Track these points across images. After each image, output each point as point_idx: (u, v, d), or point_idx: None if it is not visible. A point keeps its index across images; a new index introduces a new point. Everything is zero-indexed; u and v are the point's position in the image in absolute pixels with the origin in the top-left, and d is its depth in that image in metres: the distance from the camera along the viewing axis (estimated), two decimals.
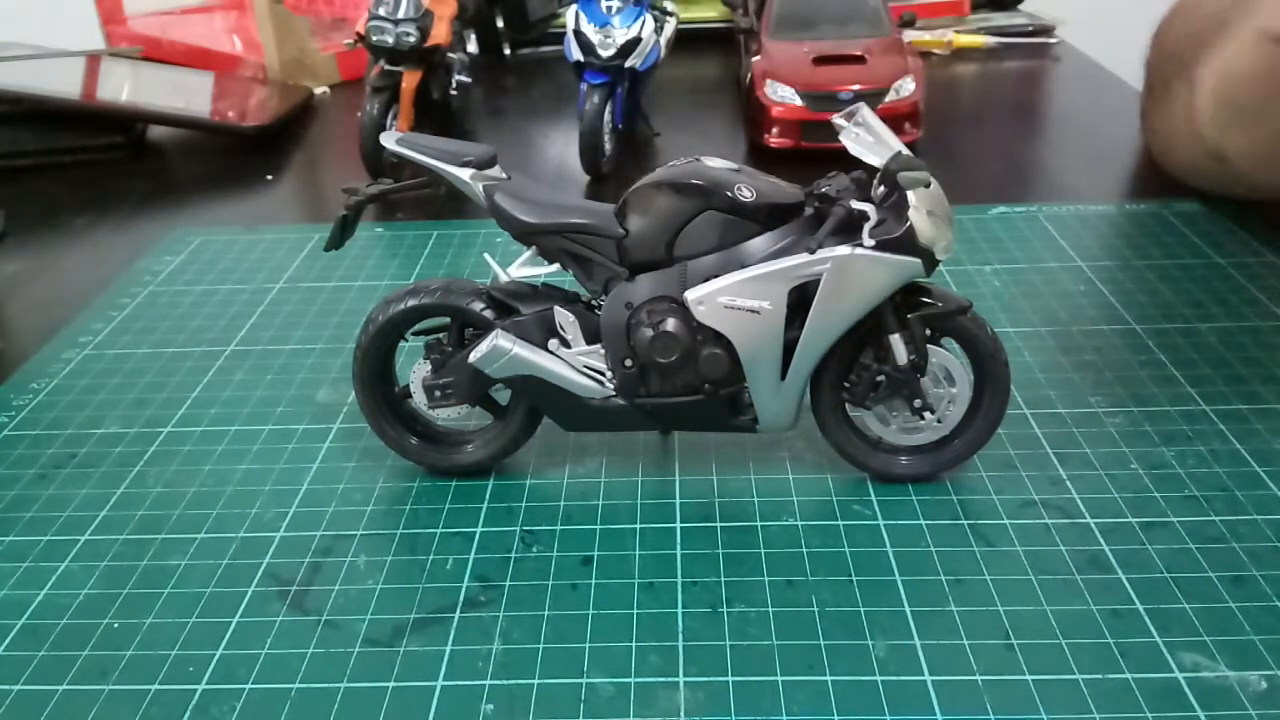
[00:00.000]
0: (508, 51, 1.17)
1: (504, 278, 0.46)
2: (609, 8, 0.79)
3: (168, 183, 0.86)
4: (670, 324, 0.43)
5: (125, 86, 0.98)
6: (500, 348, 0.44)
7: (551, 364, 0.45)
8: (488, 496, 0.46)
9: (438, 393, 0.46)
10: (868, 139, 0.42)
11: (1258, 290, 0.61)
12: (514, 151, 0.90)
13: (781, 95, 0.83)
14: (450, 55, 0.87)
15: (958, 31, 1.12)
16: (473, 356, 0.45)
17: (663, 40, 0.84)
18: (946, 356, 0.44)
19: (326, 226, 0.51)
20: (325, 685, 0.37)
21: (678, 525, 0.44)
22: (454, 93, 0.89)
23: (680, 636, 0.39)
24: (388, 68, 0.80)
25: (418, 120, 0.83)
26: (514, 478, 0.48)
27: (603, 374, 0.45)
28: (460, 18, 0.87)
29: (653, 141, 0.90)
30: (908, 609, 0.39)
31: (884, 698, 0.36)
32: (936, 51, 1.10)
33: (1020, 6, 1.22)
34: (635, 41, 0.78)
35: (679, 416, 0.46)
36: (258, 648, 0.39)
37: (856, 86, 0.82)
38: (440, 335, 0.46)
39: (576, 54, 0.78)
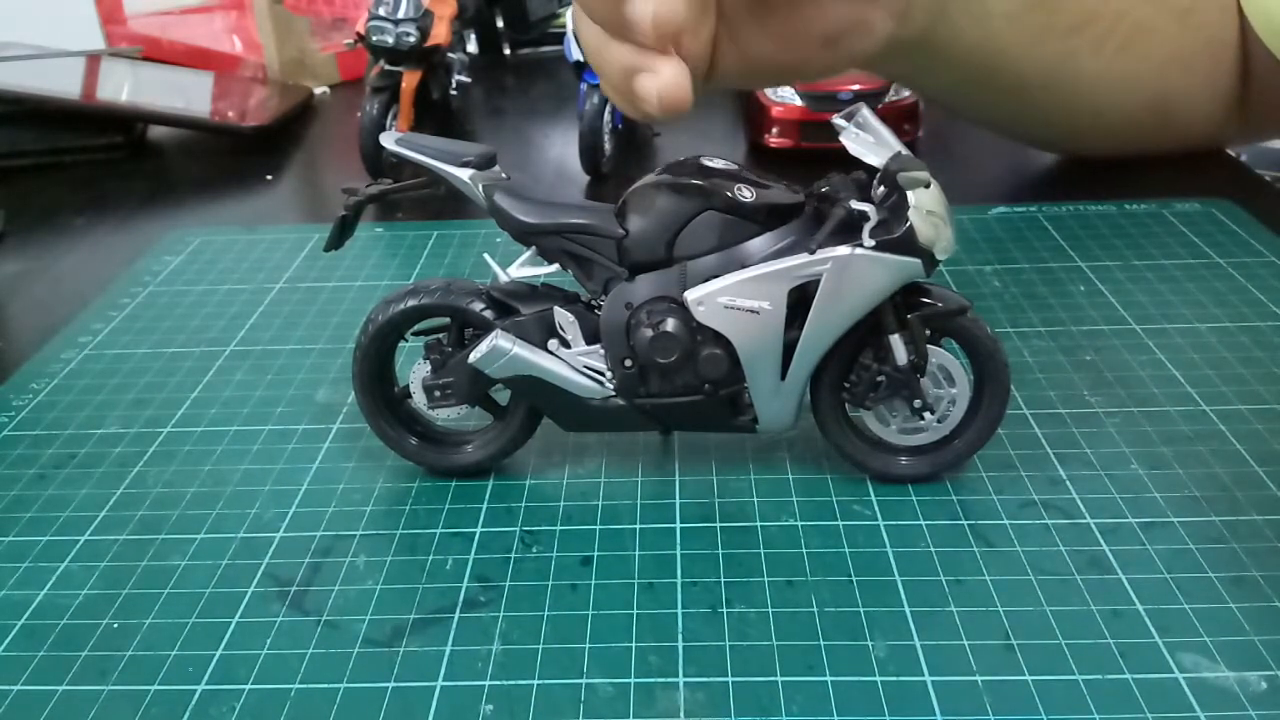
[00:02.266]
0: (508, 51, 1.17)
1: (504, 278, 0.46)
2: None
3: (168, 183, 0.86)
4: (670, 324, 0.43)
5: (125, 86, 0.98)
6: (500, 348, 0.44)
7: (551, 364, 0.45)
8: (487, 497, 0.46)
9: (437, 393, 0.46)
10: (867, 139, 0.42)
11: (1258, 290, 0.61)
12: (514, 151, 0.90)
13: (781, 95, 0.83)
14: (450, 55, 0.87)
15: None
16: (472, 357, 0.45)
17: None
18: (946, 356, 0.44)
19: (326, 226, 0.51)
20: (325, 686, 0.37)
21: (677, 526, 0.44)
22: (454, 93, 0.89)
23: (680, 637, 0.39)
24: (388, 68, 0.80)
25: (418, 120, 0.83)
26: (514, 478, 0.47)
27: (602, 374, 0.45)
28: (460, 18, 0.87)
29: (653, 141, 0.90)
30: (907, 609, 0.39)
31: (884, 698, 0.36)
32: None
33: None
34: None
35: (679, 417, 0.46)
36: (257, 648, 0.39)
37: (856, 86, 0.81)
38: (440, 335, 0.46)
39: (576, 54, 0.78)
